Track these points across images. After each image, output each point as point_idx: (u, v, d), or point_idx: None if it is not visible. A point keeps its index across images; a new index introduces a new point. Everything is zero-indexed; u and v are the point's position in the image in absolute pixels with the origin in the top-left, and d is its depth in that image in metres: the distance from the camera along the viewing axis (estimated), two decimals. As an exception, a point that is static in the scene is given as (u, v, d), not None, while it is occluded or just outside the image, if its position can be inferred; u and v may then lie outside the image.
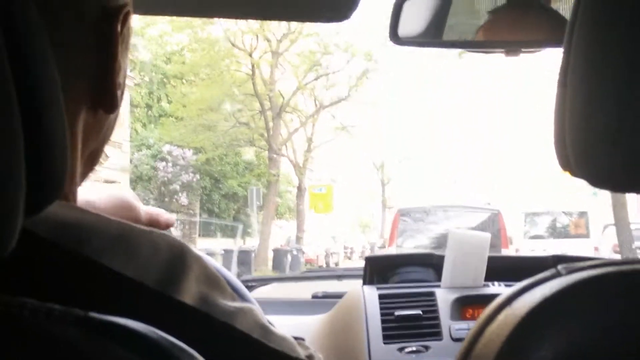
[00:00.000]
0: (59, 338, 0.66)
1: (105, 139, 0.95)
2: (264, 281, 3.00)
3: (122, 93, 0.92)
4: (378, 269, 2.32)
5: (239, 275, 3.55)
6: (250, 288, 3.05)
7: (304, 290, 2.91)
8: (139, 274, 0.80)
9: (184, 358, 0.70)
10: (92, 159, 0.94)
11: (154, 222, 1.36)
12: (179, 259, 0.85)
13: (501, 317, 0.92)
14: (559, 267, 0.93)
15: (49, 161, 0.68)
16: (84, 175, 0.93)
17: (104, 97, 0.88)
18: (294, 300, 2.79)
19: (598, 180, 0.88)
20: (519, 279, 2.06)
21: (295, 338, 1.02)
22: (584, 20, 0.84)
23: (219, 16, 1.87)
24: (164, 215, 1.39)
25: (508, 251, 15.22)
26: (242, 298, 0.98)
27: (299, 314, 2.36)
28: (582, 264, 0.93)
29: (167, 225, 1.41)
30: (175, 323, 0.78)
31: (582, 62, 0.85)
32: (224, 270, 1.40)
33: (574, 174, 0.90)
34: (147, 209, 1.36)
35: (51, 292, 0.73)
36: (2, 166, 0.61)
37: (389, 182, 52.10)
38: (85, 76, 0.85)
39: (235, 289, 0.98)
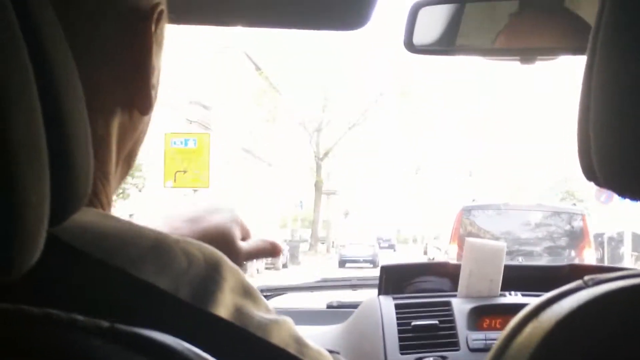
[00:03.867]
0: (83, 350, 0.65)
1: (140, 139, 0.95)
2: (280, 291, 3.00)
3: (156, 94, 0.92)
4: (393, 278, 2.33)
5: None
6: (266, 298, 3.05)
7: (318, 300, 2.92)
8: (173, 285, 0.79)
9: None
10: (128, 161, 0.94)
11: (260, 253, 1.36)
12: (214, 270, 0.84)
13: (528, 329, 0.92)
14: (585, 278, 0.93)
15: (72, 170, 0.68)
16: (121, 177, 0.93)
17: (138, 97, 0.89)
18: (309, 310, 2.80)
19: (626, 190, 0.87)
20: (535, 288, 2.08)
21: (330, 351, 1.01)
22: (609, 25, 0.83)
23: (233, 24, 1.87)
24: (271, 246, 1.37)
25: (590, 254, 14.07)
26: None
27: (314, 323, 2.37)
28: (609, 275, 0.93)
29: (276, 255, 1.40)
30: (209, 337, 0.78)
31: (607, 68, 0.83)
32: None
33: (600, 184, 0.89)
34: (252, 244, 1.34)
35: (79, 303, 0.72)
36: (26, 176, 0.61)
37: (326, 155, 46.14)
38: (120, 77, 0.86)
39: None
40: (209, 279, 0.83)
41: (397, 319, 2.08)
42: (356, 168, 55.14)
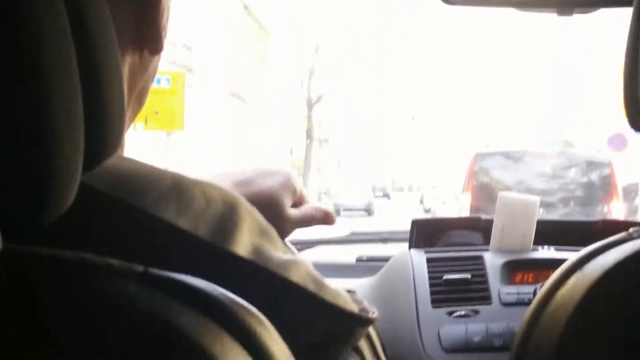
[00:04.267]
0: (118, 293, 0.67)
1: (149, 79, 0.97)
2: (309, 244, 3.06)
3: (166, 34, 0.93)
4: (425, 232, 2.37)
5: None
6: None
7: (348, 254, 2.97)
8: (192, 225, 0.82)
9: (245, 315, 0.72)
10: (139, 99, 0.96)
11: (311, 222, 1.37)
12: (232, 210, 0.87)
13: (572, 280, 0.96)
14: (631, 230, 0.98)
15: (106, 114, 0.70)
16: (132, 118, 0.95)
17: (148, 38, 0.90)
18: (339, 263, 2.86)
19: None
20: (568, 243, 2.13)
21: (347, 291, 1.02)
22: None
23: None
24: (323, 214, 1.39)
25: (618, 208, 12.88)
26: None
27: (344, 277, 2.41)
28: None
29: (329, 223, 1.42)
30: (229, 275, 0.81)
31: None
32: None
33: None
34: (303, 212, 1.36)
35: (107, 245, 0.75)
36: (60, 121, 0.63)
37: (319, 101, 45.48)
38: (131, 18, 0.87)
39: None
40: (227, 218, 0.85)
41: (429, 272, 2.12)
42: (350, 115, 54.88)
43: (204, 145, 25.70)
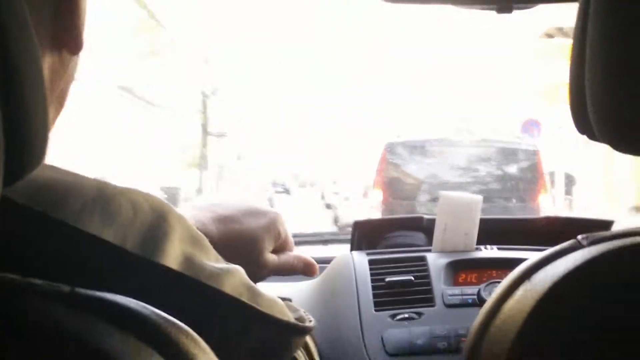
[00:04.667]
0: (43, 316, 0.66)
1: (70, 79, 0.95)
2: None
3: (83, 32, 0.91)
4: (366, 234, 2.41)
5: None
6: None
7: None
8: (119, 237, 0.80)
9: (177, 334, 0.72)
10: (60, 101, 0.94)
11: (289, 270, 1.39)
12: (161, 218, 0.86)
13: (519, 292, 0.95)
14: (579, 237, 0.96)
15: (29, 122, 0.68)
16: (54, 119, 0.92)
17: (68, 37, 0.88)
18: None
19: (623, 144, 0.89)
20: (511, 242, 2.19)
21: (282, 299, 1.03)
22: None
23: None
24: (304, 264, 1.42)
25: (546, 201, 11.93)
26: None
27: (285, 279, 2.42)
28: (603, 233, 0.95)
29: (310, 274, 1.44)
30: (160, 288, 0.82)
31: (604, 17, 0.84)
32: None
33: (595, 138, 0.92)
34: (282, 259, 1.38)
35: (27, 262, 0.73)
36: None
37: (214, 94, 44.75)
38: (47, 17, 0.84)
39: None
40: (157, 227, 0.85)
41: (371, 275, 2.15)
42: (249, 108, 54.83)
43: (89, 143, 25.21)
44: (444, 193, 2.24)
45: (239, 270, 0.95)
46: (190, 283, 0.86)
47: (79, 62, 0.96)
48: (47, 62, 0.86)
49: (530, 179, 11.99)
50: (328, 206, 34.14)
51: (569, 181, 16.03)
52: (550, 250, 0.98)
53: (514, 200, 11.90)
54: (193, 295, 0.86)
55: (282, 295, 1.08)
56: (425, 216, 2.42)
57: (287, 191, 60.73)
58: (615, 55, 0.85)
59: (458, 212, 2.22)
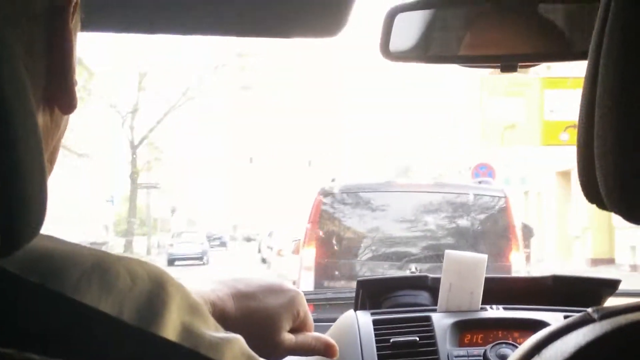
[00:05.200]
0: None
1: (60, 138, 0.96)
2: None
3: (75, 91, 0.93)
4: (370, 293, 2.46)
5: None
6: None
7: None
8: (116, 307, 0.82)
9: None
10: (50, 161, 0.94)
11: (307, 351, 1.42)
12: (159, 287, 0.88)
13: None
14: (590, 310, 0.95)
15: (26, 193, 0.70)
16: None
17: (61, 96, 0.90)
18: None
19: (636, 215, 0.88)
20: (517, 301, 2.27)
21: None
22: (617, 27, 0.84)
23: (204, 34, 1.98)
24: (324, 346, 1.46)
25: (518, 257, 10.04)
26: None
27: None
28: (616, 306, 0.94)
29: (331, 357, 1.47)
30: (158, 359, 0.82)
31: (615, 80, 0.84)
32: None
33: (604, 207, 0.91)
34: (300, 340, 1.42)
35: (24, 335, 0.75)
36: None
37: (142, 142, 43.75)
38: (41, 77, 0.86)
39: None
40: (155, 296, 0.86)
41: (376, 335, 2.18)
42: (182, 158, 54.32)
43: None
44: (448, 252, 2.29)
45: (239, 339, 0.97)
46: (189, 354, 0.87)
47: (68, 121, 0.98)
48: (39, 122, 0.85)
49: (498, 232, 10.21)
50: (263, 260, 33.87)
51: (527, 232, 15.63)
52: (560, 323, 0.96)
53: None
54: None
55: None
56: (430, 275, 2.47)
57: (224, 244, 60.48)
58: (626, 122, 0.84)
59: (463, 271, 2.28)
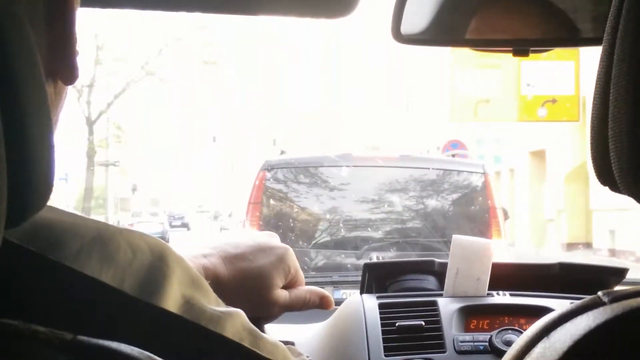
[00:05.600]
0: None
1: (61, 110, 0.98)
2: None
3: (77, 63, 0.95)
4: (376, 277, 2.50)
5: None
6: None
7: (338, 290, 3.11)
8: (117, 279, 0.85)
9: None
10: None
11: (303, 306, 1.47)
12: (160, 260, 0.90)
13: (538, 349, 0.96)
14: (600, 294, 0.97)
15: (34, 164, 0.72)
16: None
17: (64, 67, 0.92)
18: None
19: None
20: (523, 287, 2.32)
21: (285, 342, 1.09)
22: (633, 10, 0.87)
23: (207, 11, 2.01)
24: (319, 299, 1.51)
25: (500, 244, 8.52)
26: None
27: (293, 322, 2.51)
28: (626, 289, 0.96)
29: (326, 308, 1.52)
30: (159, 331, 0.86)
31: (631, 60, 0.86)
32: None
33: (618, 190, 0.93)
34: (294, 294, 1.46)
35: (25, 303, 0.78)
36: None
37: (99, 118, 42.72)
38: (43, 49, 0.87)
39: None
40: (156, 269, 0.89)
41: (381, 319, 2.22)
42: (142, 135, 53.75)
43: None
44: (455, 237, 2.33)
45: (240, 313, 1.00)
46: (191, 327, 0.90)
47: (67, 93, 1.00)
48: None
49: (476, 215, 8.87)
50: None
51: (501, 215, 15.21)
52: (570, 306, 0.98)
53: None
54: (193, 339, 0.90)
55: (287, 339, 1.17)
56: (437, 260, 2.52)
57: (185, 225, 60.09)
58: None
59: (470, 257, 2.32)
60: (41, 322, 0.75)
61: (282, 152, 9.98)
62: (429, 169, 9.03)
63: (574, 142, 25.96)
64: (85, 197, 41.52)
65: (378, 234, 8.75)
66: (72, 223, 0.87)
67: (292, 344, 1.23)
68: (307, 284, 1.60)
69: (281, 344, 1.05)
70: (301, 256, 8.03)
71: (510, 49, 2.06)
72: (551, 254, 25.68)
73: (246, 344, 0.96)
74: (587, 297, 0.97)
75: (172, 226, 49.08)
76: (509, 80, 19.21)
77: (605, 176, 0.93)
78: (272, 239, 1.51)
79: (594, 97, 0.93)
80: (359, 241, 8.66)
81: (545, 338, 0.95)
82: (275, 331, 2.01)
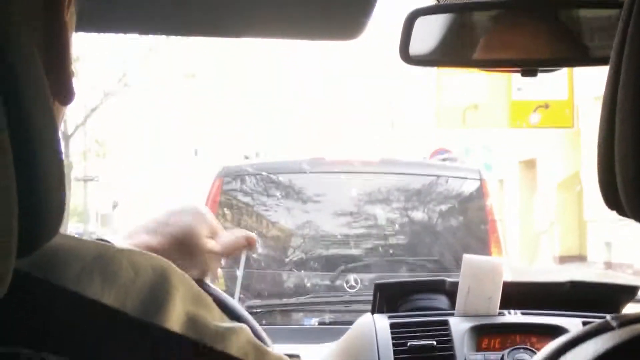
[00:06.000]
0: None
1: (58, 130, 0.93)
2: (270, 307, 3.27)
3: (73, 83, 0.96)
4: (388, 296, 2.55)
5: (242, 302, 3.50)
6: (255, 315, 3.30)
7: (309, 317, 3.18)
8: (120, 300, 0.85)
9: None
10: None
11: (234, 249, 1.56)
12: (162, 278, 0.91)
13: None
14: (609, 318, 0.96)
15: (46, 195, 0.74)
16: None
17: (60, 88, 0.92)
18: (301, 328, 3.04)
19: None
20: (535, 306, 2.38)
21: (290, 356, 1.11)
22: (637, 35, 0.87)
23: (224, 36, 2.06)
24: (245, 239, 1.59)
25: (501, 259, 6.54)
26: (233, 314, 1.11)
27: (306, 342, 2.61)
28: (635, 314, 0.96)
29: (252, 248, 1.61)
30: (163, 352, 0.87)
31: (636, 84, 0.86)
32: (213, 287, 1.58)
33: (625, 214, 0.93)
34: (222, 241, 1.56)
35: (29, 329, 0.79)
36: None
37: (76, 131, 41.56)
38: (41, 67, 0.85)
39: (225, 307, 1.11)
40: (158, 288, 0.89)
41: (393, 339, 2.27)
42: (124, 150, 53.43)
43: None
44: (466, 256, 2.39)
45: (244, 328, 1.00)
46: (195, 346, 0.90)
47: (65, 113, 1.03)
48: None
49: (472, 229, 7.50)
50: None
51: (501, 229, 14.88)
52: (579, 330, 0.98)
53: (447, 265, 6.89)
54: (198, 358, 0.91)
55: (288, 353, 1.16)
56: (448, 279, 2.56)
57: None
58: None
59: (481, 276, 2.37)
60: (47, 347, 0.77)
61: (247, 157, 8.19)
62: (414, 175, 7.59)
63: (566, 150, 25.65)
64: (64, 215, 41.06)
65: (357, 252, 7.16)
66: (74, 246, 0.88)
67: (298, 357, 1.25)
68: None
69: (285, 356, 1.06)
70: (263, 281, 6.48)
71: (519, 69, 2.11)
72: (544, 267, 25.37)
73: (251, 359, 0.96)
74: (596, 322, 0.97)
75: None
76: (499, 85, 18.49)
77: (612, 200, 0.93)
78: (184, 202, 1.64)
79: (600, 121, 0.94)
80: (334, 261, 6.86)
81: None
82: (286, 350, 2.08)
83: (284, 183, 7.41)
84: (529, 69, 2.09)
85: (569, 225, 26.74)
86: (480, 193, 7.44)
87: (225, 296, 1.50)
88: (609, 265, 23.45)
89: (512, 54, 2.10)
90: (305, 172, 7.32)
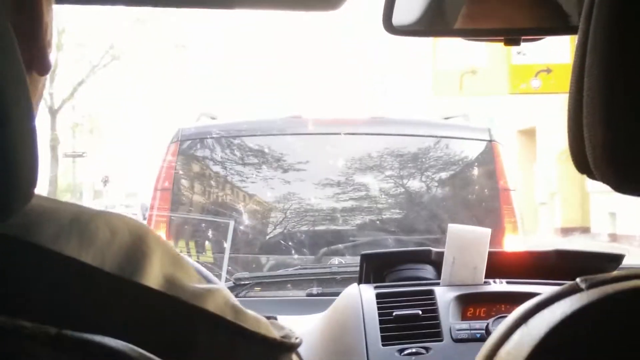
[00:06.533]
0: (31, 359, 0.74)
1: (39, 100, 1.01)
2: (258, 278, 3.33)
3: (51, 51, 0.99)
4: (374, 267, 2.60)
5: (230, 274, 3.48)
6: (244, 287, 3.39)
7: (298, 289, 3.25)
8: (98, 259, 0.87)
9: None
10: None
11: None
12: (140, 240, 0.92)
13: (516, 336, 0.99)
14: (578, 280, 0.99)
15: (19, 161, 0.75)
16: None
17: (36, 58, 0.95)
18: (289, 299, 3.12)
19: (624, 185, 0.93)
20: (520, 275, 2.43)
21: (267, 317, 1.11)
22: (604, 2, 0.90)
23: (209, 7, 2.09)
24: None
25: (517, 242, 5.89)
26: (208, 280, 1.04)
27: (293, 313, 2.64)
28: (604, 276, 0.99)
29: None
30: (141, 309, 0.87)
31: (603, 50, 0.89)
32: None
33: (594, 177, 0.96)
34: None
35: (9, 289, 0.80)
36: None
37: (62, 106, 41.12)
38: (17, 40, 0.86)
39: (199, 272, 1.05)
40: (135, 249, 0.91)
41: (379, 308, 2.32)
42: (114, 125, 53.20)
43: None
44: (451, 226, 2.44)
45: (222, 289, 1.01)
46: (172, 302, 0.91)
47: (44, 84, 1.04)
48: None
49: (481, 201, 6.35)
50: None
51: (516, 201, 14.22)
52: (547, 293, 1.01)
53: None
54: (176, 315, 0.91)
55: (266, 315, 1.14)
56: (434, 249, 2.62)
57: None
58: (613, 93, 0.89)
59: (466, 246, 2.43)
60: (24, 309, 0.78)
61: (213, 118, 6.68)
62: (413, 136, 6.35)
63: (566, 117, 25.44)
64: (50, 191, 40.91)
65: (346, 229, 6.14)
66: (50, 207, 0.90)
67: (275, 318, 1.28)
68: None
69: (263, 318, 1.08)
70: (252, 249, 5.97)
71: (502, 38, 2.14)
72: (547, 240, 25.04)
73: (228, 317, 0.97)
74: (566, 284, 1.00)
75: (145, 217, 48.44)
76: (498, 48, 17.10)
77: (581, 164, 0.96)
78: None
79: (570, 86, 0.97)
80: (321, 241, 5.94)
81: (523, 325, 0.98)
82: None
83: (255, 147, 6.22)
84: (512, 38, 2.12)
85: (570, 197, 26.44)
86: (490, 157, 6.20)
87: (199, 266, 1.52)
88: (613, 237, 23.10)
89: (496, 23, 2.12)
90: (283, 134, 6.23)
